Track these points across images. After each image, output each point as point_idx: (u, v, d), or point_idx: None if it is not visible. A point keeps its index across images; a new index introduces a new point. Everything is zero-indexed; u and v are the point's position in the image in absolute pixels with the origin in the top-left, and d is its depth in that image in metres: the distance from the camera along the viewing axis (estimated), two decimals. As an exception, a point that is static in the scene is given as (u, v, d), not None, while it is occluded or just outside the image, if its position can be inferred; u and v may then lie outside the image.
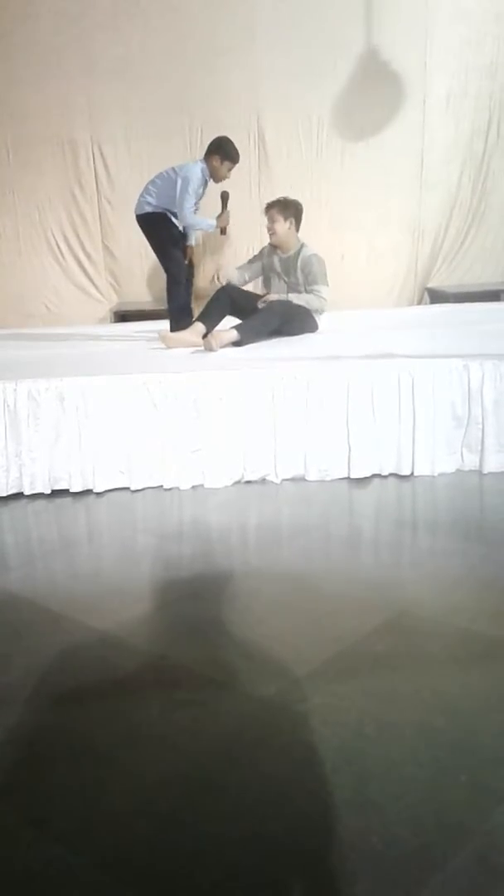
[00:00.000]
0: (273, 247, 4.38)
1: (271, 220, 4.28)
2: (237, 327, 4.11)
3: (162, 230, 4.43)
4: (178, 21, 5.76)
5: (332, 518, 3.07)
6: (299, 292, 4.28)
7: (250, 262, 4.51)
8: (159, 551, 2.87)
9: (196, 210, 4.48)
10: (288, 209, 4.28)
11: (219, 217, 4.42)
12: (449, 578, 2.48)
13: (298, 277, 4.28)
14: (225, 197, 4.41)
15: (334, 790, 1.51)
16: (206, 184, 4.41)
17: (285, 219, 4.26)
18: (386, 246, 6.33)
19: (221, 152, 4.31)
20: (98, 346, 4.49)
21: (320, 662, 1.96)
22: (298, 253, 4.28)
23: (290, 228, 4.30)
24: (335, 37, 5.84)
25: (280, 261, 4.34)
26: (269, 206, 4.32)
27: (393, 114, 6.01)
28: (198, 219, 4.38)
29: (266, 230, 4.33)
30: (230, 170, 4.39)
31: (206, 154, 4.37)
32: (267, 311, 4.20)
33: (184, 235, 4.60)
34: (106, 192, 6.11)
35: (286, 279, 4.34)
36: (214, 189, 4.48)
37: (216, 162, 4.32)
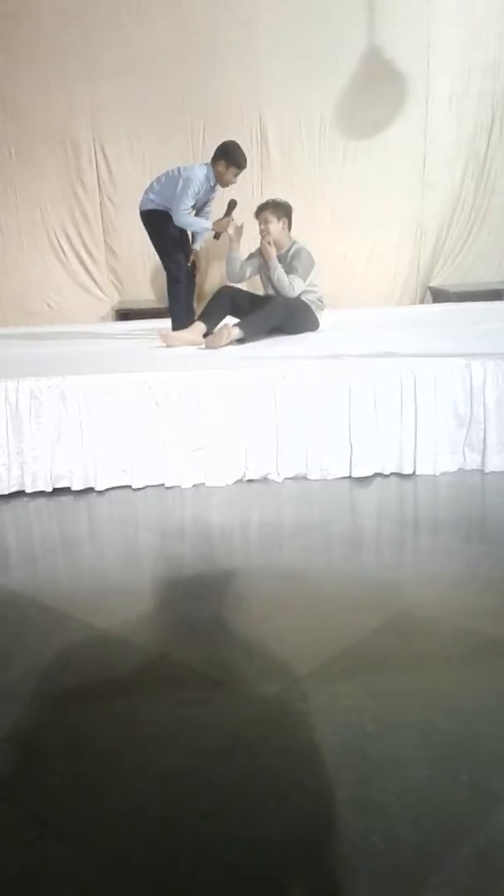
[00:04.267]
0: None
1: (264, 222, 4.30)
2: (240, 324, 4.12)
3: (163, 228, 4.43)
4: (181, 20, 5.75)
5: (334, 517, 3.07)
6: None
7: (248, 259, 4.50)
8: (161, 550, 2.87)
9: (207, 214, 4.49)
10: (279, 209, 4.32)
11: (217, 221, 4.40)
12: (450, 578, 2.48)
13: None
14: (231, 205, 4.39)
15: (335, 789, 1.51)
16: (212, 188, 4.39)
17: (278, 219, 4.30)
18: (388, 245, 6.31)
19: (227, 157, 4.29)
20: (100, 345, 4.49)
21: (322, 662, 1.96)
22: (289, 250, 4.30)
23: (283, 228, 4.33)
24: (337, 35, 5.83)
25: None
26: (262, 209, 4.35)
27: (395, 113, 6.00)
28: (191, 219, 4.34)
29: (259, 232, 4.33)
30: (237, 175, 4.35)
31: (212, 158, 4.36)
32: (270, 308, 4.20)
33: (185, 235, 4.59)
34: (108, 190, 6.10)
35: None
36: (226, 194, 4.46)
37: (221, 167, 4.30)
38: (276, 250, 4.32)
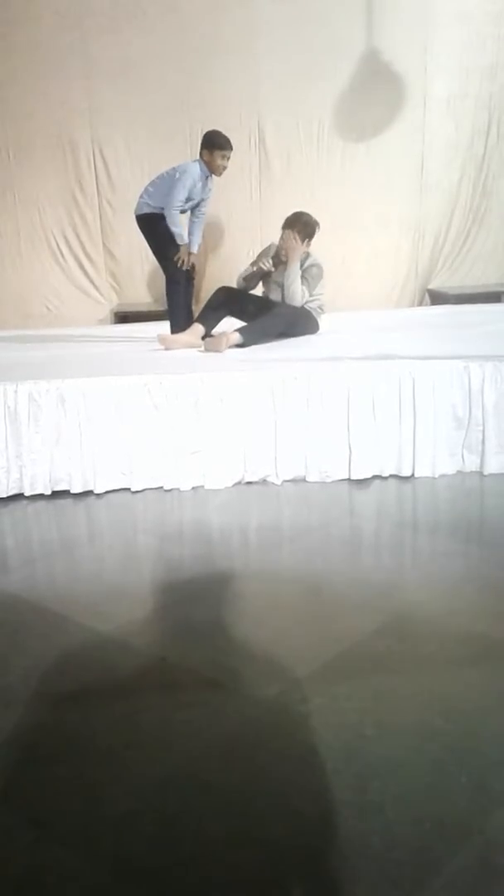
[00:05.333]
0: (278, 257, 4.36)
1: (290, 242, 4.27)
2: (241, 330, 4.11)
3: (160, 231, 4.43)
4: (179, 22, 5.77)
5: (333, 519, 3.07)
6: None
7: (255, 268, 4.48)
8: (160, 552, 2.87)
9: (201, 214, 4.51)
10: (306, 231, 4.29)
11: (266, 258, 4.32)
12: (449, 580, 2.48)
13: None
14: (273, 260, 4.32)
15: (335, 791, 1.51)
16: (205, 180, 4.42)
17: (303, 240, 4.29)
18: (387, 247, 6.33)
19: (209, 145, 4.35)
20: (98, 348, 4.49)
21: (321, 663, 1.96)
22: (302, 263, 4.30)
23: (304, 251, 4.32)
24: (336, 38, 5.84)
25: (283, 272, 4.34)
26: (289, 226, 4.30)
27: (393, 115, 6.01)
28: (178, 221, 4.35)
29: (280, 244, 4.31)
30: (224, 158, 4.37)
31: (199, 154, 4.40)
32: (272, 316, 4.20)
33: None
34: (106, 193, 6.11)
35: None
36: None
37: (207, 156, 4.36)
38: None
